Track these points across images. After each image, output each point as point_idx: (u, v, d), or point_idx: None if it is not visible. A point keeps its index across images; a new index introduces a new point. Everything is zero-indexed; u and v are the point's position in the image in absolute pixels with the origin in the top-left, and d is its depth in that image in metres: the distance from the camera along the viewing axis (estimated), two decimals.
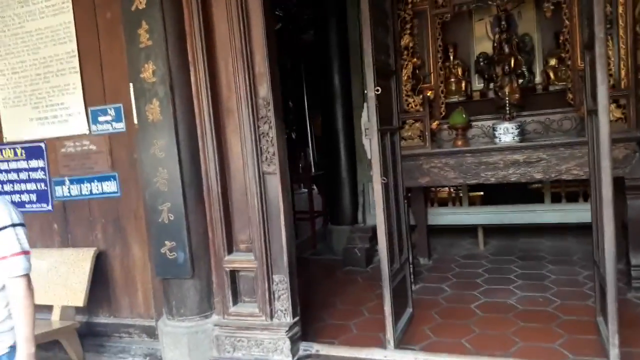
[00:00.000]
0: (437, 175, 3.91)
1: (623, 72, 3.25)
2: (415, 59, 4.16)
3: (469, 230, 5.17)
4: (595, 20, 2.15)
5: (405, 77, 4.09)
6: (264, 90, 2.73)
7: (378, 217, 2.62)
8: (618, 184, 2.89)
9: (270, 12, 2.79)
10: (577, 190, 4.62)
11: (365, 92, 2.59)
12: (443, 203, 5.05)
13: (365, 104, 2.66)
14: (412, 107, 4.08)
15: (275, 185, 2.75)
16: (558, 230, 5.00)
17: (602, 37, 2.13)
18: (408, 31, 4.04)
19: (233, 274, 2.86)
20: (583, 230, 4.71)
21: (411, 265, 3.73)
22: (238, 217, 2.86)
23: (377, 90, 2.58)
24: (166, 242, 2.83)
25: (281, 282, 2.75)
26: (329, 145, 5.38)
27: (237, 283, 2.88)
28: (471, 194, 5.02)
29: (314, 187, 6.52)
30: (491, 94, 4.35)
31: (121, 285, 3.27)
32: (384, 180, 2.63)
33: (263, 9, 2.70)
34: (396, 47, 3.95)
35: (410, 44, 4.06)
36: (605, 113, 2.17)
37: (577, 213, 4.46)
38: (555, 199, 4.65)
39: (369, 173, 2.70)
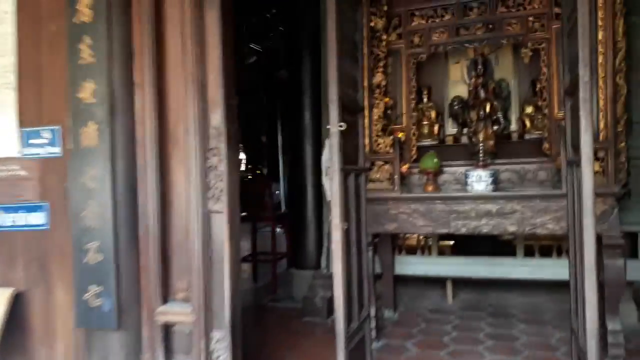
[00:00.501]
0: (406, 222, 3.64)
1: (602, 124, 3.08)
2: (387, 99, 3.96)
3: (438, 281, 4.89)
4: (580, 62, 1.95)
5: (377, 117, 3.86)
6: (217, 118, 2.44)
7: (335, 269, 2.31)
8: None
9: (230, 34, 2.53)
10: (551, 244, 4.40)
11: (328, 127, 2.32)
12: (412, 251, 4.76)
13: (327, 141, 2.38)
14: (382, 148, 3.85)
15: (221, 226, 2.42)
16: (530, 285, 4.76)
17: (587, 81, 1.93)
18: (381, 69, 3.85)
19: (167, 327, 2.47)
20: (555, 286, 4.51)
21: (374, 319, 3.42)
22: (177, 262, 2.50)
23: (341, 126, 2.32)
24: (91, 286, 2.44)
25: (221, 340, 2.38)
26: (296, 183, 5.11)
27: (170, 338, 2.49)
28: (441, 242, 4.76)
29: (280, 226, 6.19)
30: (464, 140, 4.16)
31: (40, 334, 2.82)
32: (344, 225, 2.33)
33: (221, 30, 2.44)
34: (369, 83, 3.77)
35: (383, 83, 3.86)
36: (589, 165, 1.95)
37: (550, 269, 4.24)
38: (529, 252, 4.42)
39: (330, 217, 2.40)
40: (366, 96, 3.76)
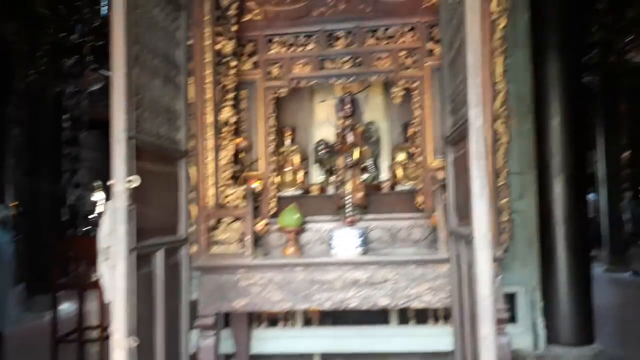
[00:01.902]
0: (258, 297, 2.87)
1: None
2: (239, 139, 3.22)
3: (305, 354, 4.14)
4: (470, 101, 1.37)
5: (225, 162, 3.09)
6: None
7: None
8: None
9: None
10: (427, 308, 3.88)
11: (111, 182, 1.48)
12: (274, 321, 3.97)
13: (108, 204, 1.52)
14: (231, 200, 3.06)
15: None
16: (408, 354, 4.23)
17: (480, 127, 1.35)
18: (230, 103, 3.11)
19: None
20: (435, 355, 4.01)
21: None
22: None
23: (131, 181, 1.49)
24: None
25: None
26: None
27: None
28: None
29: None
30: (332, 190, 3.54)
31: None
32: (133, 342, 1.47)
33: None
34: (215, 120, 3.03)
35: (233, 119, 3.11)
36: (486, 247, 1.35)
37: (428, 339, 3.70)
38: (403, 319, 3.85)
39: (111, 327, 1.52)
40: (211, 136, 3.01)
